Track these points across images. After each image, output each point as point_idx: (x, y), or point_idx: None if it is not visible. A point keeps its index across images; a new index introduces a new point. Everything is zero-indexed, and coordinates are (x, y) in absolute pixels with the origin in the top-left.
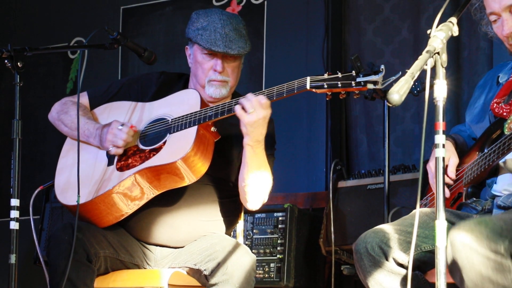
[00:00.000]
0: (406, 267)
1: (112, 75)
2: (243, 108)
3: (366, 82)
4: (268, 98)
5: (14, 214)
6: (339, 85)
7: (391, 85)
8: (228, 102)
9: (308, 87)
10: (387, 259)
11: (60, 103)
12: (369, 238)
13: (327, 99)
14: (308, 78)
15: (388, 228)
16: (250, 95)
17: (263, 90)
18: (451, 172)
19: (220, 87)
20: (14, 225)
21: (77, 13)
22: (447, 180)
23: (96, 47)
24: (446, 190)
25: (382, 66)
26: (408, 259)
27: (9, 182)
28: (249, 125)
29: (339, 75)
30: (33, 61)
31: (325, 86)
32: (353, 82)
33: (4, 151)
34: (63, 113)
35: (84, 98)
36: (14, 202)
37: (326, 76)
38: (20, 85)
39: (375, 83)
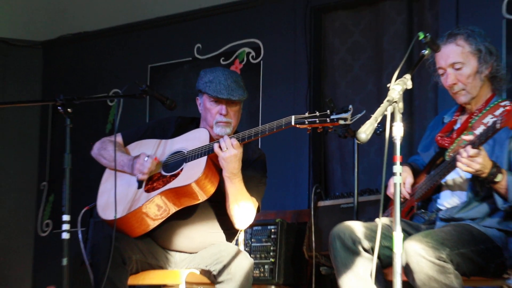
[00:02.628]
0: (369, 251)
1: (141, 118)
2: (220, 147)
3: (338, 119)
4: (241, 139)
5: (66, 227)
6: (317, 121)
7: (358, 124)
8: (230, 137)
9: (293, 123)
10: (355, 245)
11: (100, 142)
12: (342, 228)
13: (307, 132)
14: (293, 117)
15: (354, 223)
16: (225, 137)
17: (239, 133)
18: (407, 188)
19: (225, 127)
20: (65, 235)
21: (114, 69)
22: (403, 193)
23: (129, 97)
24: (406, 192)
25: (350, 106)
26: (372, 245)
27: (62, 202)
28: (224, 160)
29: (317, 113)
30: (79, 107)
31: (306, 122)
32: (328, 119)
33: (59, 178)
34: (103, 149)
35: (119, 138)
36: (66, 217)
37: (307, 114)
38: (70, 127)
39: (345, 119)
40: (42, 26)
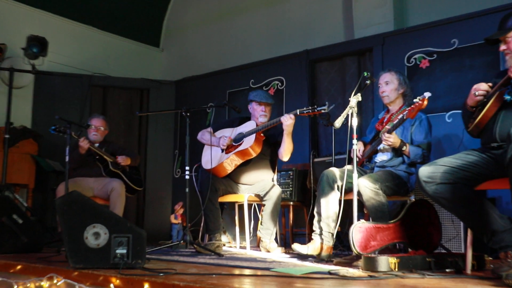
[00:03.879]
0: (339, 188)
1: (223, 117)
2: (284, 119)
3: (320, 109)
4: (294, 114)
5: (187, 172)
6: (310, 111)
7: (334, 119)
8: (266, 123)
9: (298, 113)
10: (333, 183)
11: (201, 132)
12: (329, 171)
13: (306, 117)
14: (298, 110)
15: (335, 169)
16: (286, 115)
17: (292, 111)
18: (360, 153)
19: (264, 117)
20: (187, 177)
21: (211, 92)
22: (358, 155)
23: (218, 106)
24: (359, 154)
25: (327, 102)
26: (342, 183)
27: (185, 160)
28: (286, 126)
29: (310, 108)
30: (193, 113)
31: (304, 112)
32: (315, 110)
33: (183, 148)
34: (203, 135)
35: (211, 129)
36: (187, 168)
37: (304, 108)
38: (188, 123)
39: (324, 110)
40: (175, 71)
